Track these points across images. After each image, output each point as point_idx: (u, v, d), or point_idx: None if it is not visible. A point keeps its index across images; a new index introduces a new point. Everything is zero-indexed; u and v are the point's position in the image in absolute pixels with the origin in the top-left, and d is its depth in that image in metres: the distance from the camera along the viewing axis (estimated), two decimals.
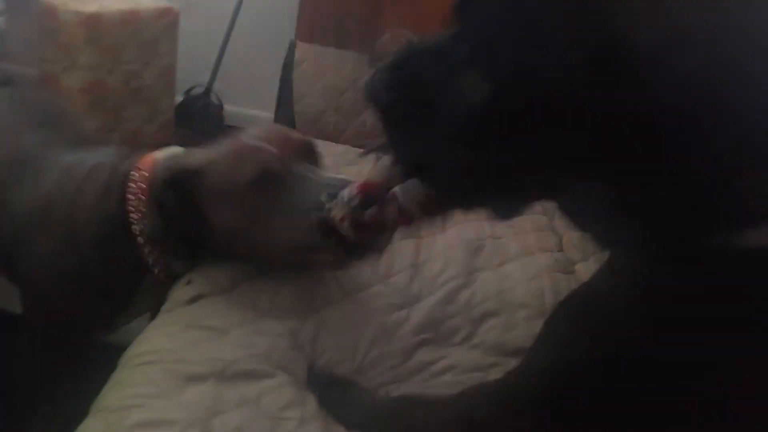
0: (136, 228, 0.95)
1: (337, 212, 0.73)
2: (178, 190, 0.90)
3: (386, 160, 0.64)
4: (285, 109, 1.67)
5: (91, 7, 2.09)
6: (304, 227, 0.85)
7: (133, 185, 0.96)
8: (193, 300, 0.95)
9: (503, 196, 0.41)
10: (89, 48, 2.09)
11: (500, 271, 1.12)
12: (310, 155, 0.94)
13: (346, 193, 0.71)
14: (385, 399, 0.80)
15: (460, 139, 0.42)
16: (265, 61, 2.61)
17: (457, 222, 1.22)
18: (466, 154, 0.42)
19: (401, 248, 1.10)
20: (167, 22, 2.35)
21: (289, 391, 0.78)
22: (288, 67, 1.67)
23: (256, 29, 2.68)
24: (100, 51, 2.12)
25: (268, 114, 2.40)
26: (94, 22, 2.07)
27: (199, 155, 0.94)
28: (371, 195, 0.67)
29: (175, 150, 1.04)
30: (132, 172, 0.98)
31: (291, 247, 0.90)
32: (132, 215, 0.95)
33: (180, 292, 0.97)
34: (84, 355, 1.09)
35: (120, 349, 0.86)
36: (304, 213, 0.85)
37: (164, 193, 0.91)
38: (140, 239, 0.96)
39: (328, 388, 0.80)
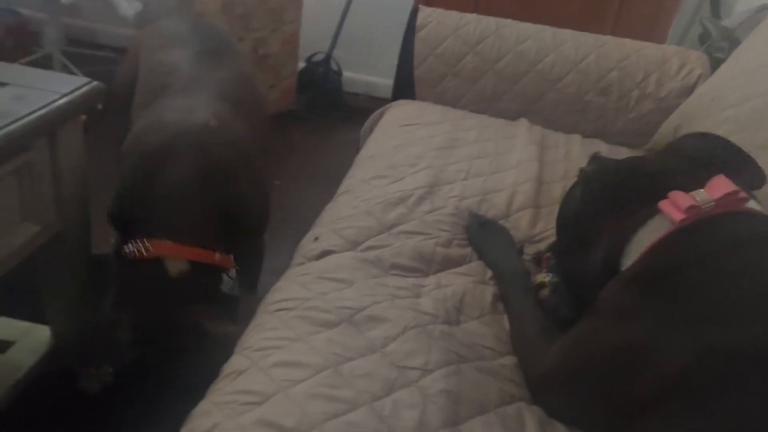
0: None
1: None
2: None
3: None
4: (404, 74, 1.69)
5: None
6: None
7: None
8: (321, 255, 1.02)
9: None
10: (222, 16, 2.21)
11: None
12: None
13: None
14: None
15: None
16: (383, 29, 2.64)
17: None
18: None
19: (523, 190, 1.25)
20: None
21: (412, 340, 0.82)
22: (409, 31, 1.67)
23: None
24: (232, 19, 2.24)
25: (385, 80, 2.44)
26: None
27: None
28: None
29: None
30: None
31: None
32: None
33: (308, 248, 1.05)
34: None
35: None
36: None
37: None
38: None
39: (480, 227, 1.12)
